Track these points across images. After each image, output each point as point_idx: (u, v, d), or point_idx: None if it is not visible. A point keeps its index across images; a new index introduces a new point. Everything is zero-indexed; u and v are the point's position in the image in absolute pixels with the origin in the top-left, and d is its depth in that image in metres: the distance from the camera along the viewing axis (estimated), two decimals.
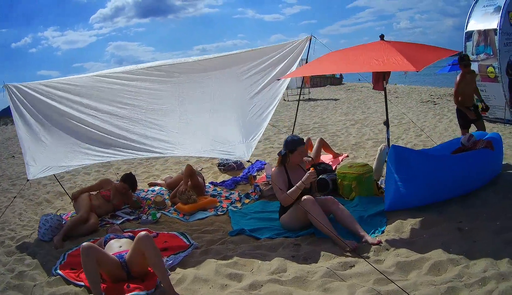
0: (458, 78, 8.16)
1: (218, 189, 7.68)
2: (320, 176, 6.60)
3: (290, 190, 5.02)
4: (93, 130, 6.03)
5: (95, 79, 6.38)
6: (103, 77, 6.42)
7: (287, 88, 27.11)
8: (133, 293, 3.76)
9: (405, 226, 5.08)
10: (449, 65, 27.03)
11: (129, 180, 6.68)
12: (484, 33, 12.52)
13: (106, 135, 5.99)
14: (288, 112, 19.23)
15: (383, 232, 5.03)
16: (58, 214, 6.58)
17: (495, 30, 12.07)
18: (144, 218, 6.14)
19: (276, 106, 6.66)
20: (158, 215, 6.21)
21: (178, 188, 6.84)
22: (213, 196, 7.05)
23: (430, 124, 12.76)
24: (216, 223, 5.88)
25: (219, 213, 6.29)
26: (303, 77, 26.75)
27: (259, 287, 3.84)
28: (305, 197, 4.90)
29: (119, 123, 6.12)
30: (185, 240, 5.06)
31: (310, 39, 7.16)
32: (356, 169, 6.49)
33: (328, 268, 4.05)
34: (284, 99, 26.64)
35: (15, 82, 6.26)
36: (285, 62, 7.00)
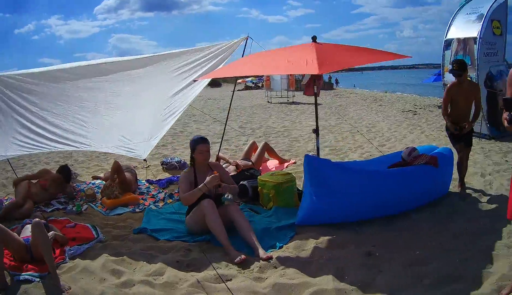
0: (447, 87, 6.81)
1: (151, 187, 7.63)
2: (241, 182, 6.47)
3: (190, 192, 4.91)
4: (31, 125, 6.27)
5: (47, 77, 6.44)
6: (54, 75, 6.47)
7: (271, 90, 27.01)
8: (28, 273, 4.07)
9: (308, 244, 4.75)
10: (434, 75, 26.56)
11: (64, 172, 6.96)
12: (464, 42, 11.82)
13: (39, 131, 6.27)
14: (264, 115, 18.78)
15: (281, 247, 4.75)
16: (6, 198, 6.91)
17: (474, 38, 11.33)
18: (69, 208, 6.35)
19: (184, 109, 6.68)
20: (84, 207, 6.45)
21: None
22: (142, 193, 7.15)
23: (399, 134, 12.19)
24: (128, 220, 5.90)
25: (137, 210, 6.32)
26: (288, 80, 26.46)
27: (131, 286, 3.89)
28: (204, 200, 4.82)
29: (53, 120, 6.41)
30: (94, 232, 5.21)
31: (246, 39, 6.93)
32: (276, 177, 6.07)
33: (199, 279, 3.96)
34: (268, 101, 26.24)
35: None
36: (214, 61, 6.83)
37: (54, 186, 6.80)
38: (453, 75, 6.45)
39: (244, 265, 4.28)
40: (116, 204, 6.42)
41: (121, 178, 6.88)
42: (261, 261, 4.33)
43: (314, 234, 4.93)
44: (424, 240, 4.72)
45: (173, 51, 7.06)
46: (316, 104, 6.45)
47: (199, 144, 5.13)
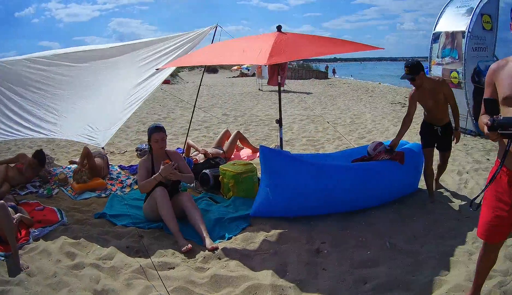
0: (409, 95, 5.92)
1: (122, 172, 7.70)
2: (203, 171, 6.52)
3: (147, 180, 4.98)
4: (7, 111, 6.42)
5: (24, 63, 6.58)
6: (32, 62, 6.62)
7: (262, 78, 26.70)
8: None
9: (258, 237, 4.71)
10: (426, 68, 26.32)
11: (38, 156, 7.08)
12: (452, 35, 11.54)
13: (13, 117, 6.41)
14: (251, 103, 18.59)
15: (230, 238, 4.74)
16: None
17: (463, 32, 11.05)
18: (40, 192, 6.51)
19: (146, 98, 6.67)
20: (55, 191, 6.58)
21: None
22: (112, 178, 7.24)
23: (382, 127, 12.00)
24: (93, 205, 6.01)
25: (103, 195, 6.43)
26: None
27: (81, 268, 4.01)
28: (157, 188, 4.90)
29: (28, 107, 6.55)
30: (59, 216, 5.35)
31: (216, 28, 6.94)
32: (236, 167, 5.99)
33: (142, 265, 4.06)
34: (259, 89, 26.01)
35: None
36: (181, 50, 6.78)
37: (30, 170, 6.92)
38: (410, 80, 5.55)
39: (190, 254, 4.34)
40: (84, 189, 6.51)
41: (90, 164, 7.00)
42: (206, 251, 4.35)
43: (267, 226, 4.89)
44: (379, 240, 4.56)
45: (144, 40, 7.12)
46: (279, 95, 6.29)
47: (154, 133, 5.16)
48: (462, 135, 10.21)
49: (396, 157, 5.47)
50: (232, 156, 8.31)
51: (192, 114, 8.49)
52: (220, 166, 6.29)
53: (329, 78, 41.67)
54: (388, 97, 21.18)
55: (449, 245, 4.40)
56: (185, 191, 5.16)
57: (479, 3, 11.00)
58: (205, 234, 4.59)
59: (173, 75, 35.63)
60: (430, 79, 5.63)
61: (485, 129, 2.52)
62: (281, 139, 6.23)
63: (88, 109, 6.75)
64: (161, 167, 4.89)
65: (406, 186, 5.86)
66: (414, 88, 5.62)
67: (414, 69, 5.38)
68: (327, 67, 53.63)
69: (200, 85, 8.46)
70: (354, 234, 4.73)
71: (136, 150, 9.14)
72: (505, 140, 2.61)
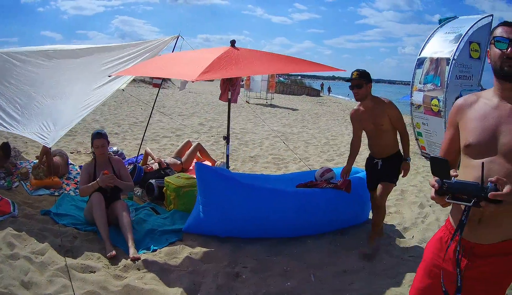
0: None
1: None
2: (149, 181, 6.51)
3: (87, 185, 5.14)
4: None
5: (3, 58, 6.80)
6: (7, 55, 6.85)
7: (250, 90, 26.56)
8: None
9: (183, 253, 4.70)
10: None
11: (3, 148, 7.27)
12: (436, 62, 11.33)
13: None
14: (233, 114, 18.14)
15: (155, 250, 4.74)
16: None
17: (448, 59, 10.81)
18: (1, 184, 6.60)
19: (100, 104, 6.57)
20: (15, 184, 6.73)
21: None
22: (69, 178, 7.38)
23: (361, 149, 11.56)
24: (44, 201, 6.07)
25: (56, 194, 6.49)
26: (268, 82, 26.05)
27: (16, 259, 4.14)
28: (94, 193, 5.05)
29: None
30: (12, 208, 5.45)
31: (177, 38, 7.05)
32: (179, 180, 5.96)
33: (67, 264, 4.13)
34: (246, 102, 25.82)
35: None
36: (141, 58, 6.82)
37: None
38: (352, 90, 4.82)
39: (114, 260, 4.41)
40: (40, 185, 6.66)
41: (48, 161, 7.06)
42: (129, 260, 4.40)
43: (195, 243, 4.88)
44: (305, 271, 4.38)
45: (110, 45, 7.34)
46: (229, 111, 6.17)
47: (95, 139, 5.33)
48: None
49: (341, 186, 5.16)
50: (191, 168, 8.11)
51: (148, 122, 8.39)
52: (165, 178, 6.20)
53: (320, 96, 41.60)
54: None
55: (381, 285, 4.17)
56: (120, 200, 5.24)
57: (469, 30, 10.79)
58: (130, 243, 4.62)
59: (166, 79, 35.51)
60: (376, 98, 4.88)
61: (432, 192, 2.03)
62: (227, 156, 6.14)
63: (47, 107, 6.75)
64: (100, 177, 5.04)
65: (352, 217, 5.64)
66: (354, 108, 5.10)
67: (364, 76, 4.70)
68: (322, 85, 53.60)
69: (155, 101, 8.47)
70: (280, 261, 4.55)
71: None
72: (461, 206, 1.99)
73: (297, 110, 23.95)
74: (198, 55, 5.56)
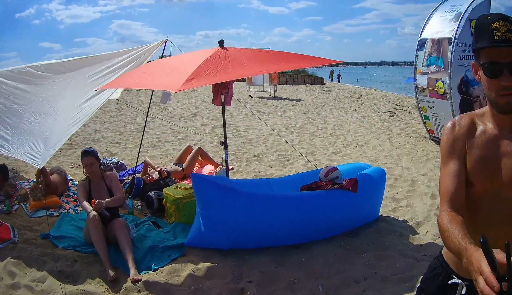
0: None
1: None
2: (148, 193, 6.29)
3: (83, 205, 5.04)
4: None
5: None
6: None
7: (252, 84, 26.26)
8: None
9: (185, 270, 4.50)
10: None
11: (1, 171, 7.13)
12: (438, 43, 11.01)
13: None
14: (236, 111, 18.04)
15: (156, 269, 4.55)
16: None
17: (449, 39, 10.48)
18: (0, 208, 6.46)
19: (88, 118, 6.36)
20: (15, 207, 6.59)
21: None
22: (68, 196, 7.14)
23: (363, 140, 11.52)
24: (44, 223, 5.90)
25: (55, 214, 6.35)
26: (270, 74, 25.72)
27: (17, 288, 4.10)
28: (91, 213, 4.83)
29: None
30: (12, 234, 5.34)
31: (165, 43, 6.95)
32: (177, 192, 5.71)
33: (66, 292, 4.05)
34: (250, 96, 25.59)
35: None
36: (128, 67, 6.63)
37: None
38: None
39: (115, 283, 4.29)
40: (39, 207, 6.50)
41: (46, 181, 6.89)
42: (129, 282, 4.26)
43: (198, 258, 4.68)
44: (313, 282, 4.16)
45: (98, 55, 7.22)
46: (223, 115, 6.10)
47: (83, 157, 5.26)
48: None
49: (346, 186, 4.94)
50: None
51: (143, 131, 8.31)
52: (164, 189, 5.97)
53: (325, 84, 41.13)
54: (379, 105, 20.75)
55: (395, 291, 3.95)
56: (118, 219, 5.09)
57: (468, 7, 10.46)
58: (130, 264, 4.49)
59: None
60: None
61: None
62: (226, 161, 5.93)
63: (37, 125, 6.58)
64: (93, 204, 4.92)
65: (361, 216, 5.41)
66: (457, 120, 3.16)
67: None
68: (332, 73, 51.99)
69: (147, 115, 8.49)
70: (287, 273, 4.33)
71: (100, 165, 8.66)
72: None
73: (302, 100, 23.63)
74: (184, 60, 5.41)
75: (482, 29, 1.65)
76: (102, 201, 4.93)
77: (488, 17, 1.64)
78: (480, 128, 1.82)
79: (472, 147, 1.81)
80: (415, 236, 5.20)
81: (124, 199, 5.37)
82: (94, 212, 4.83)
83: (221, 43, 5.27)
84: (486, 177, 1.76)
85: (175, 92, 4.41)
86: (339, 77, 51.14)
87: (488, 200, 1.77)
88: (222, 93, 5.76)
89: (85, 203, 4.98)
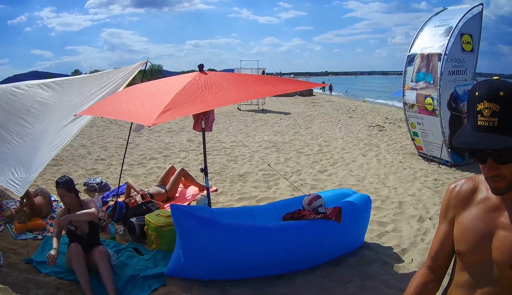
0: None
1: None
2: (130, 219, 6.24)
3: (55, 238, 5.02)
4: None
5: None
6: None
7: None
8: None
9: None
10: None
11: None
12: (427, 58, 10.96)
13: None
14: (223, 125, 17.93)
15: None
16: None
17: (439, 55, 10.44)
18: None
19: (66, 144, 6.30)
20: (1, 227, 6.58)
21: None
22: (53, 218, 7.05)
23: (349, 157, 11.48)
24: (28, 247, 5.80)
25: (39, 237, 6.36)
26: None
27: None
28: (72, 244, 4.93)
29: None
30: None
31: (146, 64, 7.01)
32: (159, 219, 5.66)
33: None
34: (238, 108, 25.61)
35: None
36: (107, 90, 6.63)
37: None
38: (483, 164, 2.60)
39: None
40: (23, 229, 6.48)
41: (30, 203, 6.88)
42: None
43: (178, 289, 4.63)
44: None
45: (79, 76, 7.42)
46: (204, 142, 5.96)
47: (56, 188, 5.19)
48: (436, 166, 9.67)
49: (330, 216, 4.87)
50: (177, 195, 7.95)
51: (125, 149, 8.09)
52: (145, 216, 5.92)
53: (313, 95, 41.24)
54: (367, 118, 20.83)
55: None
56: (98, 247, 5.02)
57: (459, 22, 10.43)
58: (111, 294, 4.53)
59: None
60: None
61: None
62: (207, 189, 5.90)
63: (18, 149, 6.49)
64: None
65: (344, 245, 5.35)
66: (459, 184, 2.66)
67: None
68: (324, 84, 51.91)
69: (128, 140, 8.53)
70: None
71: (84, 185, 8.70)
72: None
73: (290, 113, 23.68)
74: (163, 86, 5.40)
75: (469, 106, 1.57)
76: (68, 215, 4.95)
77: (477, 94, 1.52)
78: (481, 196, 1.77)
79: (463, 217, 1.80)
80: (400, 264, 5.15)
81: (93, 213, 5.27)
82: (52, 252, 4.79)
83: (200, 67, 5.24)
84: (472, 246, 1.73)
85: (149, 127, 4.31)
86: (330, 88, 51.13)
87: (475, 266, 1.74)
88: (202, 119, 5.67)
89: (54, 240, 4.98)
